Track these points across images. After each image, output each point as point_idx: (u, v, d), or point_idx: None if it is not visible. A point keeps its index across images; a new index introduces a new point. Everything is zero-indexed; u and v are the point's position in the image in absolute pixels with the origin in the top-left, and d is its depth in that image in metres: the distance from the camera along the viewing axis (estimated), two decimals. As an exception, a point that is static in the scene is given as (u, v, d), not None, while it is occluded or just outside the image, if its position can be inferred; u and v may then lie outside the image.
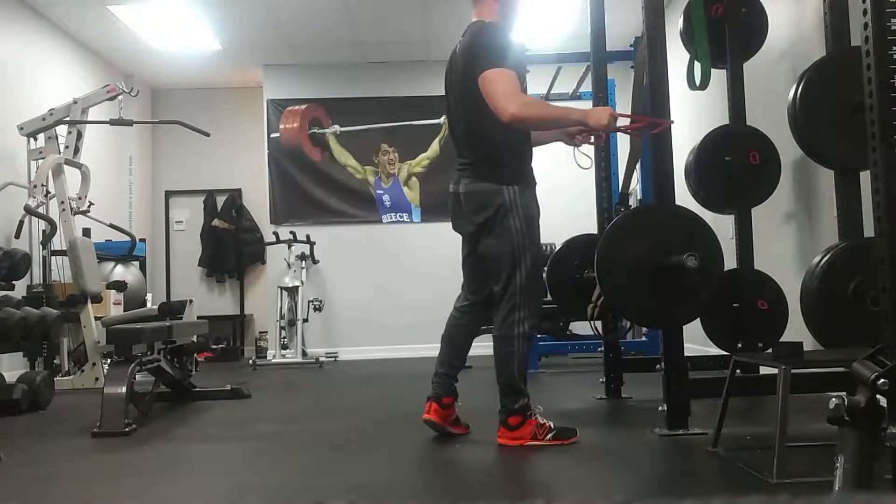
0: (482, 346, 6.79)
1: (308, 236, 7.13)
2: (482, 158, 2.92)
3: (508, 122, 2.76)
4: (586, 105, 4.47)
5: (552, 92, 6.13)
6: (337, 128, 7.53)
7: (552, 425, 2.85)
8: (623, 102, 5.02)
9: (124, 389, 3.38)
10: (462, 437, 3.12)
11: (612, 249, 3.03)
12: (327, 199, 7.49)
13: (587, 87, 5.03)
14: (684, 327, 3.03)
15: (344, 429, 3.46)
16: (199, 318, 4.80)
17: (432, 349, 7.71)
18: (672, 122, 3.09)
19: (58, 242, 5.27)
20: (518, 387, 2.85)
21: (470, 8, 3.03)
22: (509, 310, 2.85)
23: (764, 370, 3.24)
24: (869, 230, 2.68)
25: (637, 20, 3.25)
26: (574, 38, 6.35)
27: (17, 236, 4.97)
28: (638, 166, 4.06)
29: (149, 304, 6.31)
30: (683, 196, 3.43)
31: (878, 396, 1.65)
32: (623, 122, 3.02)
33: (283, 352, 6.70)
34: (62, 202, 5.13)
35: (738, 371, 2.92)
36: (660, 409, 2.97)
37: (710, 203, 3.86)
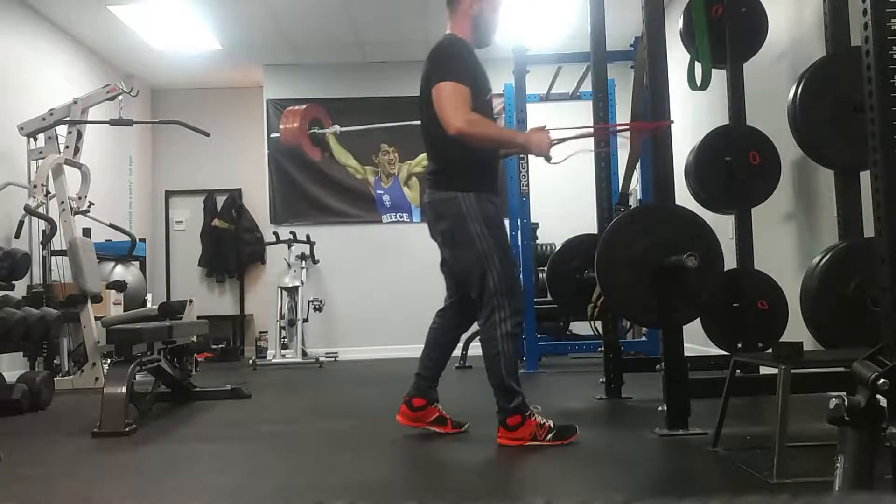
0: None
1: (308, 236, 7.13)
2: (441, 167, 2.98)
3: (454, 137, 2.81)
4: (587, 105, 4.48)
5: (552, 92, 6.15)
6: (337, 128, 7.53)
7: (552, 425, 2.86)
8: (623, 102, 5.03)
9: (124, 389, 3.38)
10: (463, 437, 3.13)
11: (612, 249, 3.04)
12: (327, 199, 7.48)
13: (587, 87, 5.03)
14: (684, 327, 3.03)
15: (344, 429, 3.46)
16: (199, 318, 4.80)
17: (432, 349, 7.64)
18: (672, 122, 3.09)
19: (58, 242, 5.27)
20: (510, 386, 2.86)
21: (447, 19, 3.04)
22: (489, 313, 2.88)
23: (764, 370, 3.24)
24: (869, 230, 2.68)
25: (637, 20, 3.25)
26: (574, 38, 6.35)
27: (17, 236, 4.97)
28: (638, 166, 4.07)
29: (149, 304, 6.31)
30: (683, 196, 3.43)
31: (878, 396, 1.65)
32: (558, 135, 2.98)
33: (283, 352, 6.70)
34: (62, 202, 5.13)
35: (738, 371, 2.92)
36: (660, 409, 2.97)
37: (710, 203, 3.85)
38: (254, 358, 6.80)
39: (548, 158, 2.96)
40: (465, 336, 6.25)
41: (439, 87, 2.82)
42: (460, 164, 2.92)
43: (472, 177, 2.92)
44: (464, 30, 2.98)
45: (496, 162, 3.08)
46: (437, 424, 3.11)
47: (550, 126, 2.96)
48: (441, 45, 2.96)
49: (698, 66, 3.69)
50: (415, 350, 7.44)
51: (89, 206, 5.46)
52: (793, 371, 2.31)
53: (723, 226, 4.04)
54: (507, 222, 4.42)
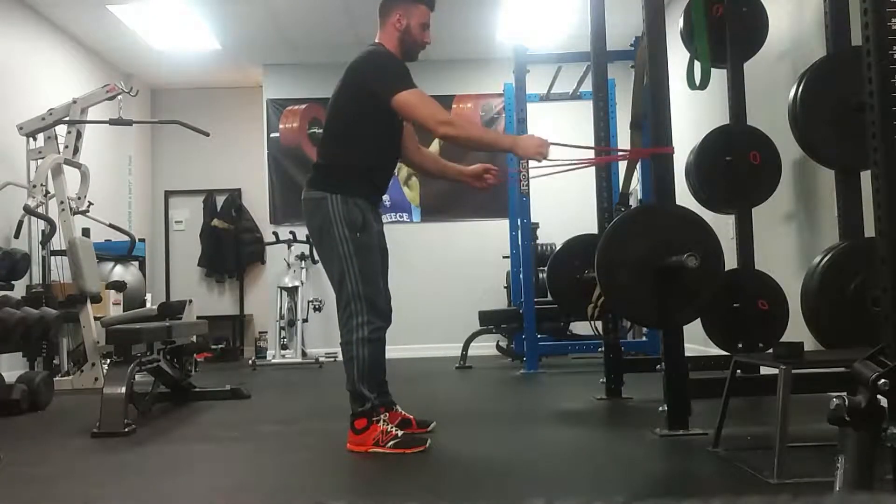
0: (482, 347, 6.81)
1: (308, 236, 7.11)
2: (320, 167, 3.01)
3: (442, 139, 2.90)
4: (587, 105, 4.49)
5: (552, 92, 6.14)
6: (337, 128, 7.51)
7: (398, 433, 2.83)
8: (623, 102, 5.03)
9: (124, 390, 3.38)
10: (463, 437, 3.14)
11: (612, 249, 3.03)
12: (327, 199, 7.47)
13: (587, 86, 5.03)
14: (684, 327, 3.03)
15: (344, 429, 3.44)
16: (198, 318, 4.80)
17: (431, 349, 7.73)
18: (673, 150, 3.06)
19: (57, 242, 5.26)
20: (360, 392, 2.85)
21: (377, 27, 3.07)
22: (348, 316, 2.88)
23: (764, 370, 3.24)
24: (869, 230, 2.67)
25: (637, 20, 3.25)
26: (574, 38, 6.35)
27: (17, 236, 4.97)
28: (638, 166, 4.07)
29: (148, 304, 6.30)
30: (683, 196, 3.42)
31: (878, 397, 1.65)
32: (555, 151, 2.92)
33: (282, 352, 6.70)
34: (61, 202, 5.13)
35: (738, 371, 2.92)
36: (660, 409, 2.97)
37: (710, 203, 3.85)
38: (253, 358, 6.80)
39: (537, 159, 2.90)
40: (465, 337, 6.29)
41: (406, 99, 2.84)
42: (336, 167, 2.96)
43: (343, 179, 2.92)
44: (391, 42, 3.01)
45: (386, 171, 3.10)
46: (402, 428, 3.11)
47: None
48: (379, 54, 2.98)
49: (698, 66, 3.69)
50: (413, 350, 7.46)
51: (89, 206, 5.46)
52: (793, 371, 2.31)
53: (723, 226, 4.04)
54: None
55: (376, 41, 3.04)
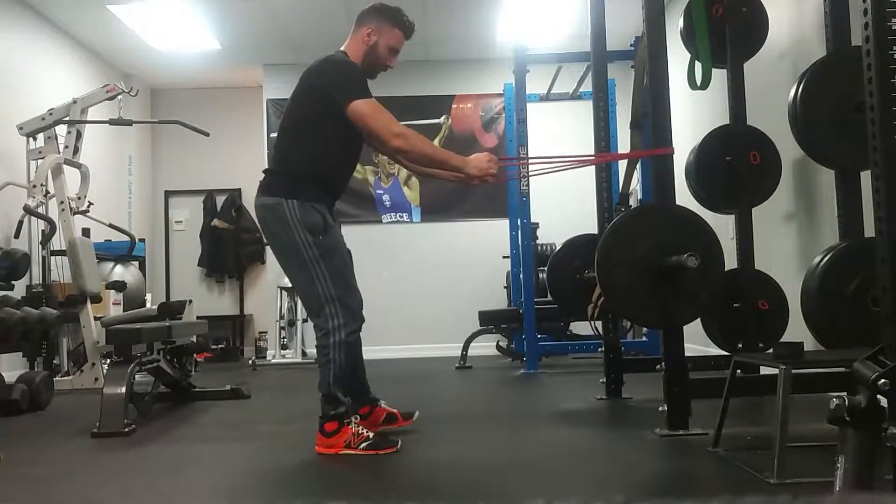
0: (482, 346, 6.81)
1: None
2: (274, 172, 2.96)
3: (394, 152, 2.93)
4: (587, 105, 4.49)
5: (552, 92, 6.15)
6: (337, 128, 7.51)
7: (369, 435, 2.82)
8: (623, 102, 5.03)
9: (124, 390, 3.38)
10: (463, 438, 3.14)
11: (612, 249, 3.03)
12: (327, 199, 7.46)
13: (587, 86, 5.03)
14: (684, 327, 3.03)
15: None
16: (198, 318, 4.80)
17: (431, 349, 7.73)
18: (673, 150, 3.06)
19: (57, 242, 5.27)
20: (334, 395, 2.82)
21: (349, 34, 3.06)
22: (323, 321, 2.83)
23: (764, 370, 3.24)
24: (869, 230, 2.68)
25: (637, 20, 3.25)
26: (574, 37, 6.35)
27: (17, 236, 4.97)
28: (638, 166, 4.07)
29: (148, 305, 6.30)
30: (683, 196, 3.42)
31: (878, 397, 1.65)
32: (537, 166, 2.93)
33: (282, 352, 6.70)
34: (62, 202, 5.12)
35: (738, 371, 2.92)
36: (660, 409, 2.97)
37: (710, 203, 3.85)
38: (253, 358, 6.80)
39: (487, 180, 2.93)
40: (465, 337, 6.29)
41: (361, 108, 2.81)
42: (290, 171, 2.92)
43: (298, 184, 2.87)
44: (356, 53, 2.99)
45: (342, 175, 3.06)
46: (389, 423, 3.13)
47: (551, 155, 2.91)
48: (339, 61, 2.94)
49: (698, 66, 3.69)
50: (413, 350, 7.45)
51: (89, 206, 5.46)
52: (793, 371, 2.31)
53: (723, 226, 4.04)
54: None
55: (342, 49, 3.01)
